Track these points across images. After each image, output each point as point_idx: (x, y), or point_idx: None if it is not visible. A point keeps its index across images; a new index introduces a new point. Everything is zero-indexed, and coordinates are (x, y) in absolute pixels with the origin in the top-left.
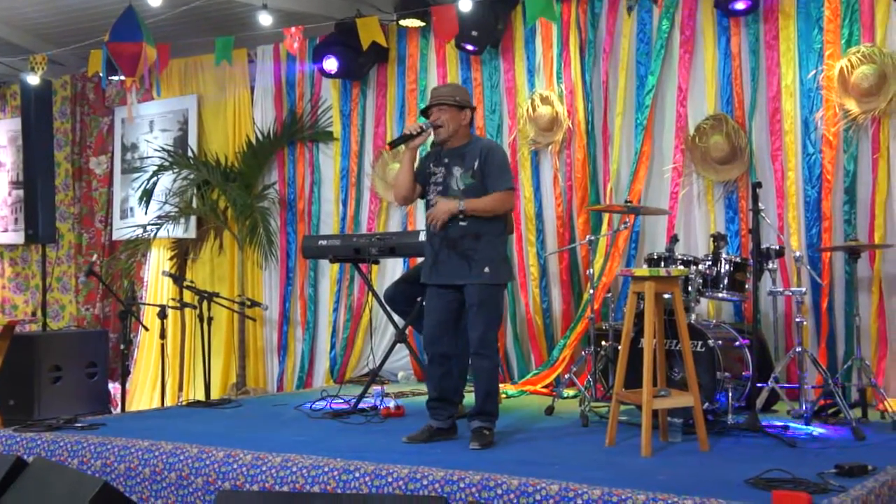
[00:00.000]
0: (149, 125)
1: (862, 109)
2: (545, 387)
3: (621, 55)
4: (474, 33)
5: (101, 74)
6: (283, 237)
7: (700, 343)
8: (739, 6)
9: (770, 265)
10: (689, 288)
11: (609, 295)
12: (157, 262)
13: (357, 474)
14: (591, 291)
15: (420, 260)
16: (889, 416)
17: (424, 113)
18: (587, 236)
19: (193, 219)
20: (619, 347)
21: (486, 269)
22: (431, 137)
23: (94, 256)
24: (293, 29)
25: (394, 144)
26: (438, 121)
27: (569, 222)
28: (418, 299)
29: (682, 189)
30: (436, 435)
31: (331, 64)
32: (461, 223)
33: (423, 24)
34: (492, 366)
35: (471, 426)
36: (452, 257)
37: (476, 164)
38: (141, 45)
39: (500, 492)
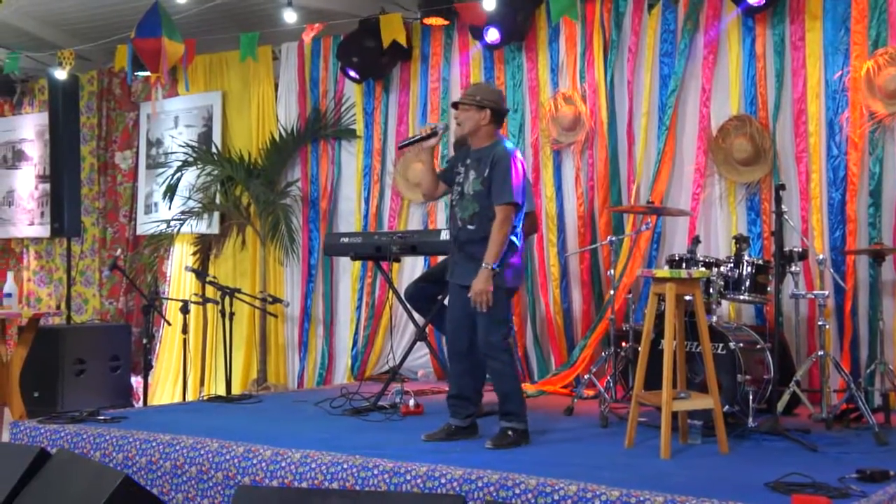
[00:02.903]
0: (174, 121)
1: (888, 111)
2: (564, 387)
3: (645, 55)
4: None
5: (126, 70)
6: (306, 234)
7: (721, 345)
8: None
9: (793, 268)
10: (711, 290)
11: (630, 296)
12: (181, 258)
13: (376, 471)
14: (612, 292)
15: (441, 258)
16: None
17: (455, 107)
18: (608, 237)
19: (217, 215)
20: (640, 349)
21: None
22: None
23: (119, 251)
24: (316, 25)
25: (402, 146)
26: (458, 119)
27: (590, 223)
28: (439, 297)
29: (704, 190)
30: (455, 434)
31: (353, 73)
32: (469, 227)
33: (447, 22)
34: (501, 366)
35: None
36: (463, 259)
37: (486, 171)
38: (160, 41)
39: (518, 491)
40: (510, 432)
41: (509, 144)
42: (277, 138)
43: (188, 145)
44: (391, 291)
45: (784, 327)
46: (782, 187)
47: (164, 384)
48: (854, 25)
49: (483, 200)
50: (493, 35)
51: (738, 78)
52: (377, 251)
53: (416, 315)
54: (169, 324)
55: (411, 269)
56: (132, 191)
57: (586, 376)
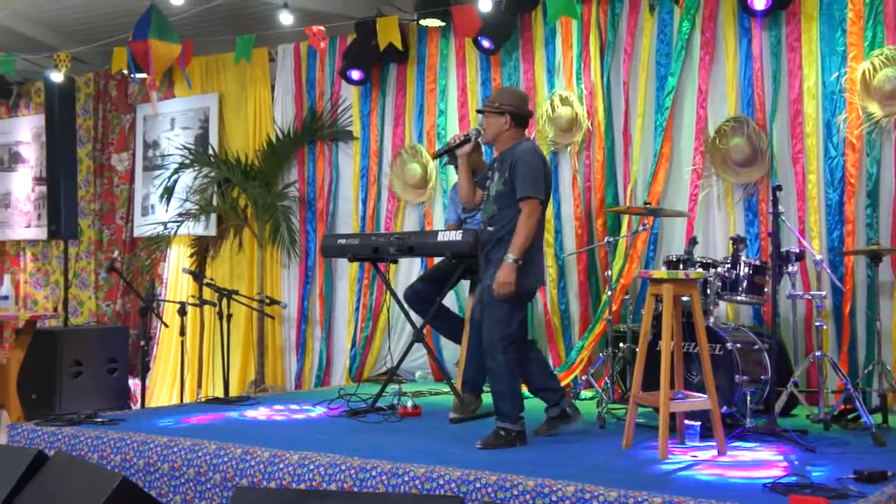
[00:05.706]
0: (170, 123)
1: (885, 112)
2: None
3: (641, 56)
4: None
5: (124, 72)
6: (303, 236)
7: (718, 346)
8: (759, 5)
9: (790, 268)
10: (708, 291)
11: (627, 297)
12: (178, 260)
13: (374, 473)
14: (610, 293)
15: (437, 260)
16: None
17: (481, 113)
18: (606, 238)
19: (214, 216)
20: (637, 350)
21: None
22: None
23: (116, 253)
24: (315, 28)
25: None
26: (482, 125)
27: (587, 224)
28: (437, 298)
29: (701, 191)
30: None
31: (356, 74)
32: (489, 228)
33: (443, 24)
34: (493, 365)
35: None
36: (484, 262)
37: (507, 171)
38: (148, 43)
39: (516, 493)
40: (502, 432)
41: (530, 143)
42: (274, 140)
43: (185, 147)
44: (388, 293)
45: (781, 328)
46: (779, 188)
47: (162, 386)
48: (850, 27)
49: (502, 201)
50: (485, 43)
51: (735, 79)
52: (374, 252)
53: (413, 316)
54: (166, 326)
55: (408, 270)
56: (129, 193)
57: (584, 377)
